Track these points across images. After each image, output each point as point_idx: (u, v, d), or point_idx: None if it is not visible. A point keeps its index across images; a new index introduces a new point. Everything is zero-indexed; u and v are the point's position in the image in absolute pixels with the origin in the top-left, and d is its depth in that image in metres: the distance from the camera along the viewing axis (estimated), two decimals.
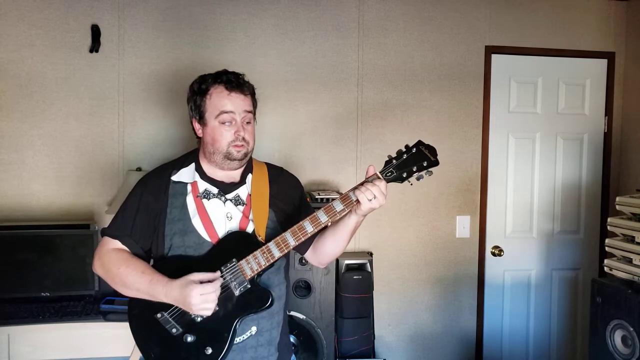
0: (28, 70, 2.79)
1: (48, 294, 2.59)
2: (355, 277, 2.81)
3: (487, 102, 3.20)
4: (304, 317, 2.71)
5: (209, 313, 1.44)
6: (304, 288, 2.74)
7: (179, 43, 2.92)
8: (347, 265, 2.83)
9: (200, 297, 1.40)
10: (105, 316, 2.45)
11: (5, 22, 2.77)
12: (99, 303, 2.54)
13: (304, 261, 2.61)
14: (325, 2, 3.04)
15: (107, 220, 2.66)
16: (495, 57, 3.20)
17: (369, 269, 2.85)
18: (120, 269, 1.53)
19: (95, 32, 2.80)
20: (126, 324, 1.60)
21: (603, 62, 3.31)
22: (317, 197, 2.73)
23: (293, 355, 1.74)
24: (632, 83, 3.26)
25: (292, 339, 2.72)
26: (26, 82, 2.80)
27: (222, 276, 1.48)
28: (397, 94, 3.13)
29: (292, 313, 2.69)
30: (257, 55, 2.99)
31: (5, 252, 2.58)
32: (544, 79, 3.26)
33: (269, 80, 2.99)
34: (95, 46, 2.81)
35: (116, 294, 1.70)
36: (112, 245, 1.59)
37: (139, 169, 2.80)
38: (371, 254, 3.02)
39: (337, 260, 2.81)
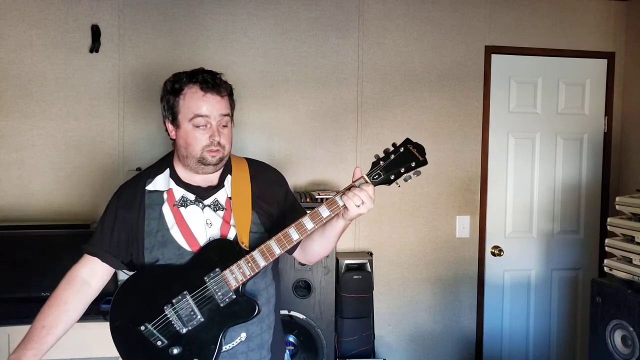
0: (28, 70, 2.79)
1: (48, 294, 2.58)
2: (355, 277, 2.81)
3: (487, 102, 3.20)
4: (304, 317, 2.71)
5: None
6: (304, 288, 2.74)
7: (179, 43, 2.92)
8: (347, 265, 2.83)
9: None
10: (105, 316, 2.44)
11: (5, 22, 2.77)
12: (98, 303, 2.51)
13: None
14: (325, 2, 3.04)
15: None
16: (495, 57, 3.20)
17: (369, 269, 2.85)
18: (46, 304, 1.58)
19: (95, 32, 2.80)
20: None
21: (603, 62, 3.31)
22: (317, 197, 2.73)
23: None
24: (632, 83, 3.26)
25: (292, 338, 2.73)
26: (26, 82, 2.80)
27: (205, 286, 1.44)
28: (397, 93, 3.13)
29: (292, 313, 2.69)
30: (257, 55, 2.99)
31: (5, 252, 2.58)
32: (544, 79, 3.26)
33: (269, 80, 3.00)
34: (95, 46, 2.81)
35: None
36: (86, 265, 1.59)
37: (138, 169, 2.80)
38: (371, 254, 3.02)
39: (337, 260, 2.81)
